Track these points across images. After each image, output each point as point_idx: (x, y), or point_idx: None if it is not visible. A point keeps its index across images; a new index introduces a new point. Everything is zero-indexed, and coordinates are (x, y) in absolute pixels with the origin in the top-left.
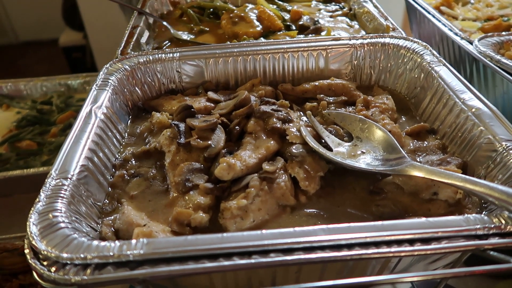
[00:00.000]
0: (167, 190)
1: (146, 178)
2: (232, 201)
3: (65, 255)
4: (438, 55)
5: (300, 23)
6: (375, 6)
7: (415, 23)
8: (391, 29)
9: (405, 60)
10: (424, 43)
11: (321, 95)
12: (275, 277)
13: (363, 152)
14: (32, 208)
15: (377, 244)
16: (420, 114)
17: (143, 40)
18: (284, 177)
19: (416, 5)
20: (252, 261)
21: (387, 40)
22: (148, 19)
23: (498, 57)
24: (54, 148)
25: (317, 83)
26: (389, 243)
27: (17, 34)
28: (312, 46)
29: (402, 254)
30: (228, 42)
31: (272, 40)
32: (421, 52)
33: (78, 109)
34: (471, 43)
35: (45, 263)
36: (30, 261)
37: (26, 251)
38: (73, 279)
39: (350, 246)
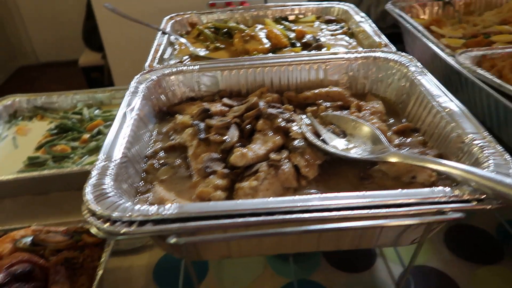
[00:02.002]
0: (190, 176)
1: (173, 166)
2: (245, 182)
3: (115, 214)
4: (421, 65)
5: (304, 40)
6: (370, 26)
7: (409, 41)
8: (383, 45)
9: (394, 71)
10: (410, 56)
11: (320, 101)
12: (280, 240)
13: (354, 146)
14: (86, 182)
15: (359, 208)
16: (406, 116)
17: (166, 56)
18: (288, 165)
19: (406, 25)
20: (260, 218)
21: (378, 54)
22: (170, 38)
23: (475, 68)
24: (86, 151)
25: (316, 91)
26: (369, 208)
27: (37, 56)
28: (313, 59)
29: (379, 214)
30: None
31: (278, 54)
32: (407, 64)
33: (106, 118)
34: (454, 57)
35: (99, 221)
36: (88, 219)
37: (84, 212)
38: (123, 230)
39: (338, 210)
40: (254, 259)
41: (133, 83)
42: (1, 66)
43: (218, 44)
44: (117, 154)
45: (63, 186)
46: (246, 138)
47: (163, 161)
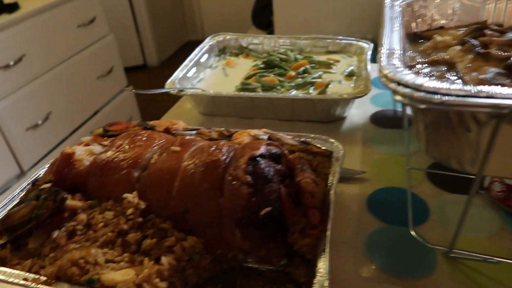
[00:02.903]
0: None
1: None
2: None
3: (426, 84)
4: None
5: None
6: None
7: None
8: None
9: None
10: None
11: None
12: None
13: None
14: (380, 62)
15: None
16: None
17: None
18: None
19: None
20: None
21: None
22: None
23: None
24: (294, 85)
25: None
26: None
27: (204, 32)
28: None
29: None
30: None
31: None
32: None
33: (310, 60)
34: None
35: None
36: (390, 86)
37: (385, 81)
38: (436, 100)
39: None
40: (489, 217)
41: (388, 1)
42: (176, 38)
43: None
44: (396, 47)
45: (268, 114)
46: None
47: (429, 70)
